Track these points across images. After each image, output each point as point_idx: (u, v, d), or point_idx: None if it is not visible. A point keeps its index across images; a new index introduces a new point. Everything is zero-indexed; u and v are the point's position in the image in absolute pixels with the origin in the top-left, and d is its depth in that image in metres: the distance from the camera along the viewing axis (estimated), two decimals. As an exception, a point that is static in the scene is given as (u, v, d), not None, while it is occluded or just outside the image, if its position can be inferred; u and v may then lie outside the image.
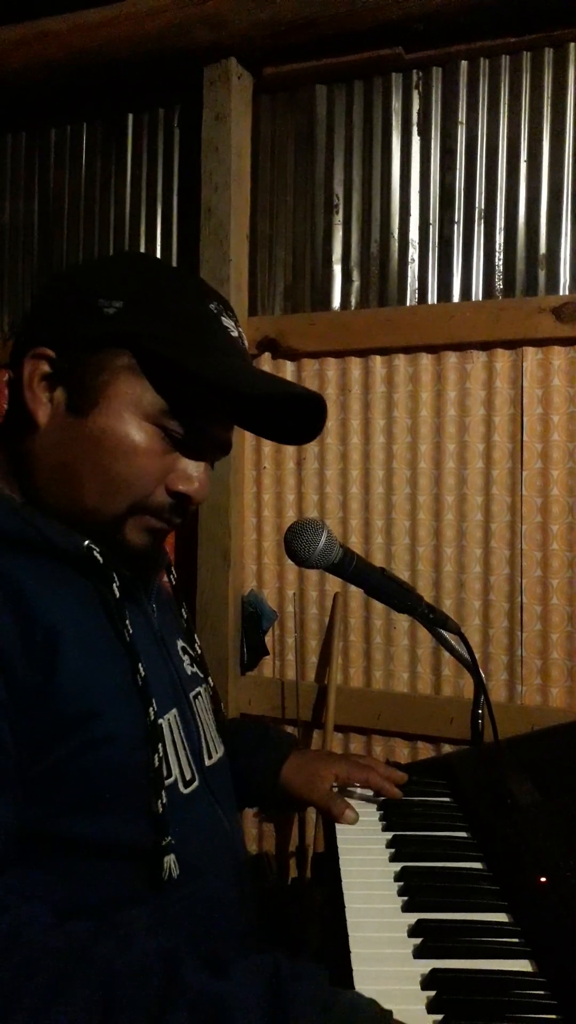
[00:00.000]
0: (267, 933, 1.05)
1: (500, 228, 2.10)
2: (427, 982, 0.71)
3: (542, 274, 2.06)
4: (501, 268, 2.10)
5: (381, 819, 1.07)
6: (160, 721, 0.86)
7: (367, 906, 0.85)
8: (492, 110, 2.10)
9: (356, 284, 2.26)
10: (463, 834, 1.02)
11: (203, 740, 0.97)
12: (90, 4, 2.24)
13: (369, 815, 1.08)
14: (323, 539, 1.03)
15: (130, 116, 2.50)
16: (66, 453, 0.84)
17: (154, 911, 0.81)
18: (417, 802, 1.12)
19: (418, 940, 0.77)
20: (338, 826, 1.05)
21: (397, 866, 0.93)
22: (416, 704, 2.14)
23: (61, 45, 2.29)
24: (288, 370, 2.28)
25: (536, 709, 2.01)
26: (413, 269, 2.19)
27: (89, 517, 0.85)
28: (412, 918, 0.81)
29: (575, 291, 2.03)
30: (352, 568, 1.07)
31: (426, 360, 2.14)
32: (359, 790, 1.15)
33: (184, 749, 0.91)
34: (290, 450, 2.29)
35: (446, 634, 1.14)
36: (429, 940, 0.76)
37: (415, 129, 2.19)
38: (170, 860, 0.82)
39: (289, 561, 1.07)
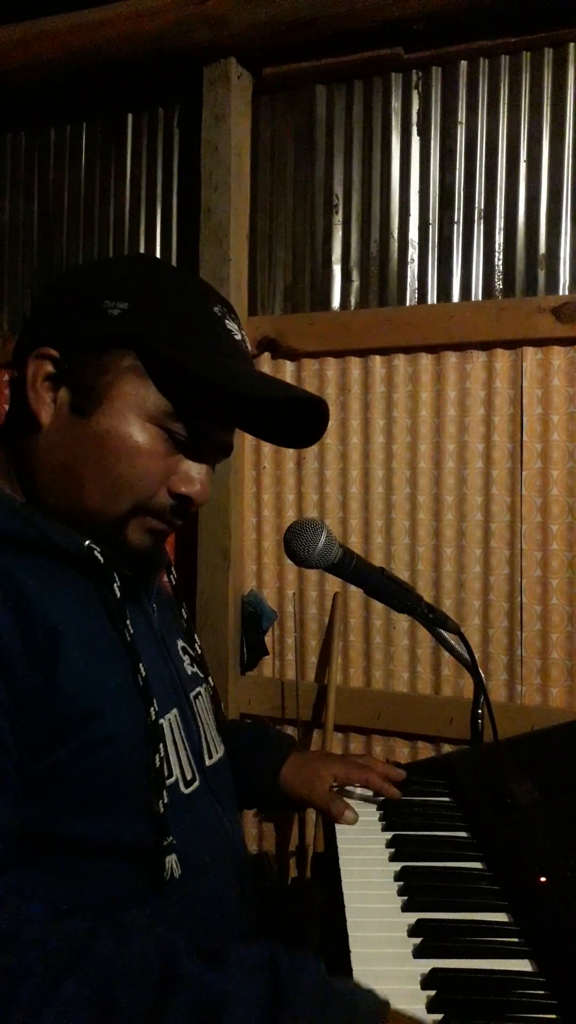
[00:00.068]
0: (267, 933, 1.05)
1: (500, 228, 2.10)
2: (427, 982, 0.71)
3: (542, 274, 2.06)
4: (501, 268, 2.10)
5: (381, 819, 1.07)
6: (161, 721, 0.86)
7: (367, 906, 0.85)
8: (492, 110, 2.10)
9: (356, 284, 2.26)
10: (463, 834, 1.02)
11: (203, 740, 0.97)
12: (89, 4, 2.24)
13: (369, 815, 1.08)
14: (322, 539, 1.04)
15: (130, 116, 2.50)
16: (69, 453, 0.84)
17: (154, 911, 0.81)
18: (417, 802, 1.12)
19: (418, 940, 0.77)
20: (338, 826, 1.05)
21: (397, 866, 0.93)
22: (416, 704, 2.14)
23: (60, 45, 2.29)
24: (288, 370, 2.28)
25: (536, 709, 2.02)
26: (413, 269, 2.19)
27: (91, 518, 0.85)
28: (412, 918, 0.81)
29: (575, 291, 2.03)
30: (351, 568, 1.07)
31: (426, 360, 2.14)
32: (359, 790, 1.15)
33: (185, 749, 0.91)
34: (290, 450, 2.29)
35: (446, 634, 1.14)
36: (429, 940, 0.76)
37: (415, 129, 2.19)
38: (171, 860, 0.82)
39: (289, 561, 1.07)
